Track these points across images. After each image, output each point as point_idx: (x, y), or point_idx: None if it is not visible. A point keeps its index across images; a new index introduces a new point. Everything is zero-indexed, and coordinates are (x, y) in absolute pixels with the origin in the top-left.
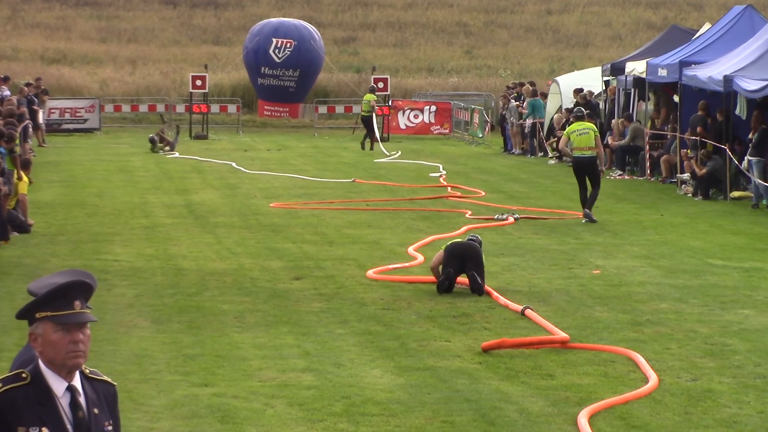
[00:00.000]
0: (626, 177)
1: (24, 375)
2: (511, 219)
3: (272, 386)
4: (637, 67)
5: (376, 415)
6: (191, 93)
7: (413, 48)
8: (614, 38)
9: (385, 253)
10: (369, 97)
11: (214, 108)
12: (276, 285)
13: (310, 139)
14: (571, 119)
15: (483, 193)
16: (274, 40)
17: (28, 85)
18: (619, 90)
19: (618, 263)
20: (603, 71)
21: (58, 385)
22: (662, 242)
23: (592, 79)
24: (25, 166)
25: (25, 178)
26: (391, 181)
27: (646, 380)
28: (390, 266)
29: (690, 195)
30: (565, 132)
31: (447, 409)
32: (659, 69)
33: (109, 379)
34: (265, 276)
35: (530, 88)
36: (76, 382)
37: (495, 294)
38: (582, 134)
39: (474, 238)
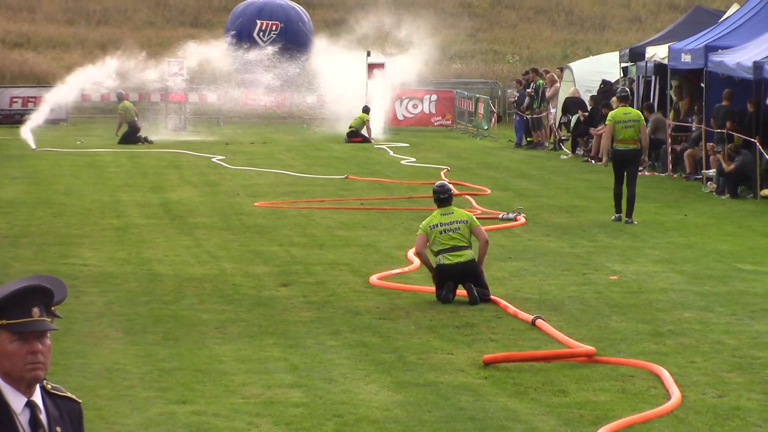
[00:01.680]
0: (646, 173)
1: None
2: (521, 219)
3: (257, 403)
4: (658, 53)
5: None
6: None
7: (412, 31)
8: (633, 20)
9: (381, 256)
10: (363, 116)
11: (193, 97)
12: (261, 292)
13: (298, 131)
14: (613, 103)
15: (489, 191)
16: (259, 22)
17: None
18: (638, 77)
19: (637, 268)
20: (621, 57)
21: (16, 401)
22: (686, 245)
23: (608, 65)
24: None
25: None
26: (387, 178)
27: (667, 397)
28: (394, 271)
29: (716, 193)
30: (608, 118)
31: (449, 429)
32: (682, 54)
33: (74, 396)
34: (248, 282)
35: (554, 75)
36: (37, 397)
37: (502, 302)
38: (627, 126)
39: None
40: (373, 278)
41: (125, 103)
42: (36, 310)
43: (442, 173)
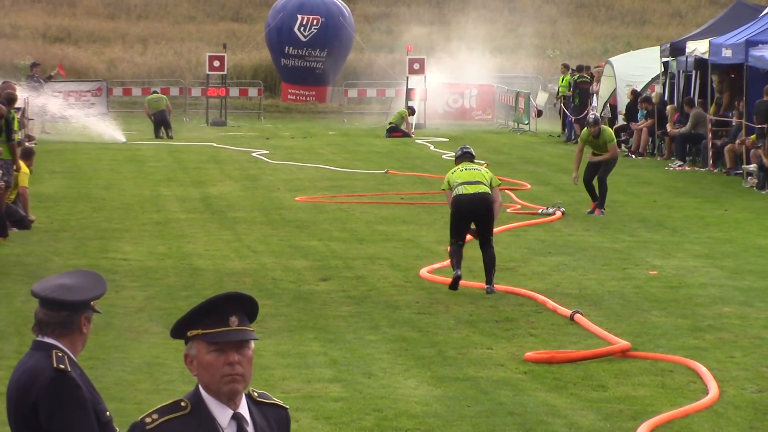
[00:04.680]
0: (687, 168)
1: (183, 404)
2: (558, 213)
3: (296, 398)
4: (698, 47)
5: (410, 430)
6: (208, 75)
7: (452, 26)
8: (674, 15)
9: (421, 251)
10: (403, 111)
11: (233, 91)
12: (301, 286)
13: (338, 125)
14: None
15: (529, 186)
16: (300, 17)
17: (34, 65)
18: (679, 72)
19: (677, 263)
20: (661, 51)
21: (222, 415)
22: (726, 240)
23: (649, 60)
24: (27, 156)
25: (25, 169)
26: (427, 173)
27: (706, 391)
28: (444, 263)
29: (757, 188)
30: (581, 138)
31: (489, 424)
32: (723, 49)
33: (280, 402)
34: (288, 276)
35: (601, 69)
36: (243, 409)
37: (541, 297)
38: (596, 146)
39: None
40: (423, 271)
41: (149, 96)
42: (234, 320)
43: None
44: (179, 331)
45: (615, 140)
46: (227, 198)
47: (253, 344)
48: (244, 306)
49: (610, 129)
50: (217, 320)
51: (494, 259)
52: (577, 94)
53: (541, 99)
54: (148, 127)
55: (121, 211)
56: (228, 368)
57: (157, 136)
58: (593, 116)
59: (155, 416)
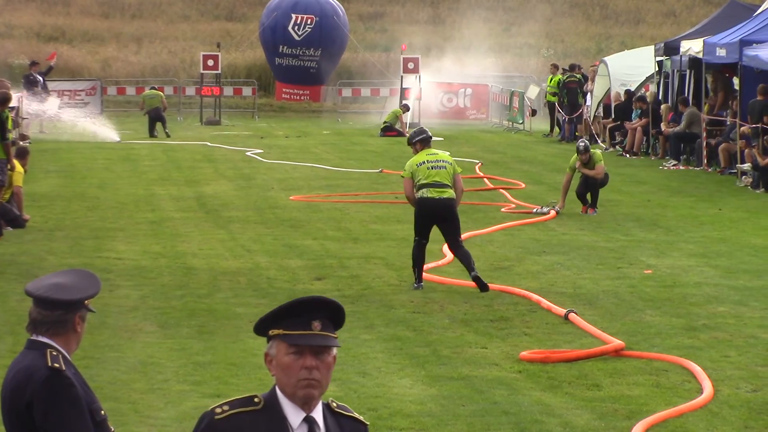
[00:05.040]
0: (681, 167)
1: (257, 400)
2: (552, 212)
3: None
4: (693, 47)
5: (405, 429)
6: (202, 74)
7: (447, 25)
8: (668, 14)
9: None
10: (397, 111)
11: (228, 91)
12: (295, 286)
13: (333, 124)
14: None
15: (523, 185)
16: (294, 16)
17: (33, 64)
18: (673, 71)
19: (672, 262)
20: (655, 51)
21: (294, 415)
22: (720, 239)
23: (643, 60)
24: (22, 155)
25: (20, 169)
26: None
27: (701, 391)
28: (439, 263)
29: (751, 187)
30: (570, 165)
31: (483, 423)
32: (717, 48)
33: (360, 417)
34: (283, 276)
35: (596, 69)
36: (317, 414)
37: (536, 296)
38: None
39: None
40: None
41: (145, 92)
42: (317, 324)
43: (476, 167)
44: (261, 328)
45: (603, 161)
46: (221, 197)
47: (334, 351)
48: (329, 311)
49: (597, 152)
50: (300, 323)
51: (468, 253)
52: (566, 94)
53: (531, 93)
54: (142, 126)
55: (115, 210)
56: (305, 372)
57: (152, 135)
58: (583, 144)
59: (226, 407)
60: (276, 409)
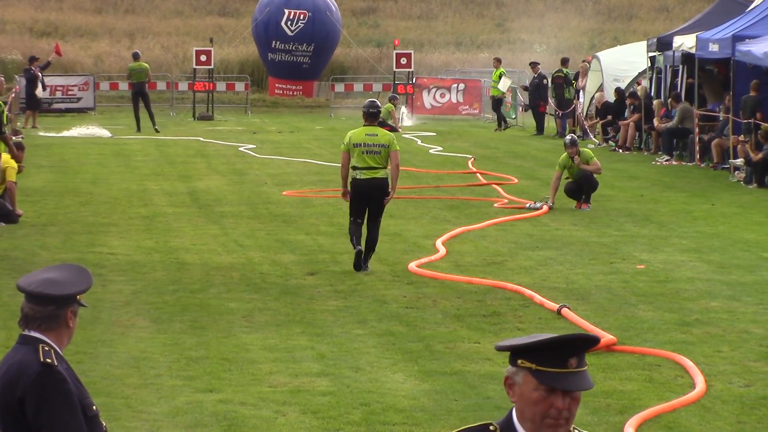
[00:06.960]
0: (674, 162)
1: (492, 428)
2: (545, 207)
3: (284, 392)
4: (685, 42)
5: (397, 424)
6: (195, 69)
7: (439, 20)
8: (661, 10)
9: (408, 246)
10: (389, 106)
11: (220, 86)
12: (288, 281)
13: (325, 120)
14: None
15: (516, 180)
16: (287, 11)
17: (33, 59)
18: (666, 67)
19: (664, 257)
20: (648, 46)
21: None
22: (713, 234)
23: (635, 55)
24: (18, 150)
25: (13, 164)
26: (414, 167)
27: (693, 386)
28: (432, 258)
29: (744, 182)
30: (559, 164)
31: (476, 418)
32: (710, 44)
33: None
34: (276, 271)
35: (587, 65)
36: None
37: (528, 291)
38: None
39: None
40: (412, 265)
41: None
42: (573, 362)
43: (469, 162)
44: (510, 356)
45: (594, 157)
46: (214, 192)
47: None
48: (585, 348)
49: (587, 150)
50: (555, 359)
51: (376, 240)
52: (553, 89)
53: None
54: (135, 122)
55: (108, 205)
56: (554, 411)
57: (138, 129)
58: (570, 137)
59: None
60: None
